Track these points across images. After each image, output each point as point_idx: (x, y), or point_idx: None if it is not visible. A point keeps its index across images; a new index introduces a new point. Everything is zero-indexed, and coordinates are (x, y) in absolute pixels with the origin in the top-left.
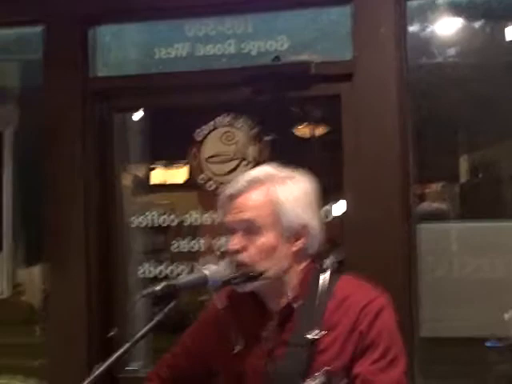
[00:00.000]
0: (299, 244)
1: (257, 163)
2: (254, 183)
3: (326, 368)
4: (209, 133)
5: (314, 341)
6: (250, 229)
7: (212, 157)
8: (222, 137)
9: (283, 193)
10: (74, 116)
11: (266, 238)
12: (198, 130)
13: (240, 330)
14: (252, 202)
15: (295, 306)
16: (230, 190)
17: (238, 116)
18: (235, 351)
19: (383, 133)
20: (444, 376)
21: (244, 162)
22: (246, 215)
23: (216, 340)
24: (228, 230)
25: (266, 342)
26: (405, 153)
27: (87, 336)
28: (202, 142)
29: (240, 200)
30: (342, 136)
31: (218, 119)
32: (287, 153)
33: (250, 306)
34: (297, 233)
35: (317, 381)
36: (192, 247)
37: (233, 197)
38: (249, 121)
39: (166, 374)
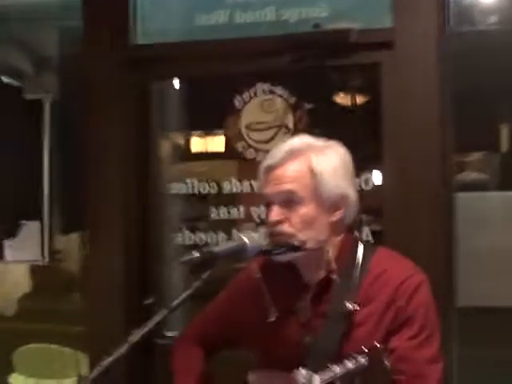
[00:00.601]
0: (338, 214)
1: (296, 131)
2: (293, 154)
3: (365, 349)
4: (248, 101)
5: (351, 313)
6: (291, 200)
7: (252, 124)
8: (262, 105)
9: (323, 163)
10: (113, 84)
11: (307, 209)
12: (237, 98)
13: (274, 301)
14: (292, 172)
15: (333, 277)
16: (268, 161)
17: (277, 84)
18: (270, 320)
19: (423, 102)
20: (482, 344)
21: (283, 130)
22: (287, 186)
23: (249, 309)
24: (267, 202)
25: (301, 313)
26: (444, 122)
27: (125, 303)
28: (241, 109)
29: (279, 171)
30: (382, 105)
31: (258, 87)
32: (327, 121)
33: (285, 277)
34: (336, 203)
35: (356, 362)
36: (230, 215)
37: (272, 168)
38: (288, 89)
39: (198, 335)
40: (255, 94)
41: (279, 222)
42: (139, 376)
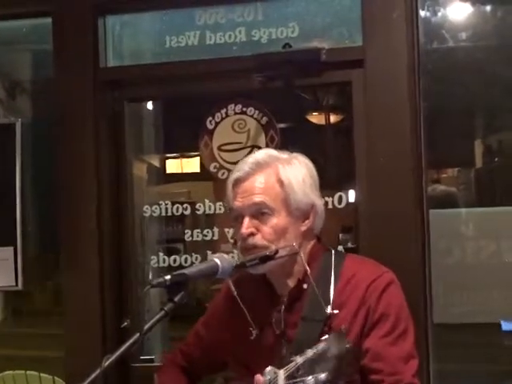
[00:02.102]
0: (308, 223)
1: None
2: (260, 166)
3: (325, 336)
4: (220, 121)
5: (324, 320)
6: (261, 211)
7: (224, 145)
8: (234, 125)
9: (290, 173)
10: (85, 106)
11: (278, 219)
12: (209, 119)
13: (252, 315)
14: (261, 184)
15: (305, 286)
16: (235, 174)
17: (248, 104)
18: (252, 337)
19: (394, 119)
20: (458, 361)
21: (255, 151)
22: (257, 198)
23: (228, 329)
24: (237, 215)
25: (276, 325)
26: (417, 138)
27: (102, 327)
28: (213, 130)
29: (247, 184)
30: (354, 123)
31: (230, 107)
32: (300, 140)
33: (259, 292)
34: (305, 212)
35: (317, 349)
36: (205, 236)
37: (239, 181)
38: (260, 109)
39: (182, 361)
40: (226, 115)
41: (251, 235)
42: None
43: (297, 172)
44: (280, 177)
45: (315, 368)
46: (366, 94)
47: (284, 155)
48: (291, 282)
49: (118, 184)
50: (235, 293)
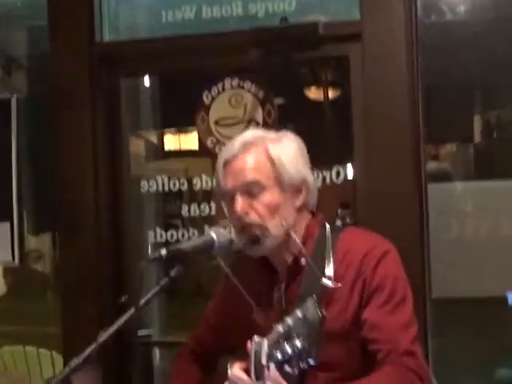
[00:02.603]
0: (301, 198)
1: (265, 126)
2: (250, 145)
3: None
4: (217, 95)
5: (321, 294)
6: (254, 190)
7: (220, 120)
8: (231, 99)
9: (280, 150)
10: (81, 82)
11: (271, 196)
12: (205, 93)
13: (253, 296)
14: (252, 162)
15: (302, 261)
16: (225, 154)
17: (245, 78)
18: (253, 317)
19: (393, 94)
20: (457, 336)
21: (252, 125)
22: (250, 177)
23: (234, 311)
24: (229, 196)
25: (277, 303)
26: (415, 113)
27: (99, 302)
28: (210, 105)
29: (238, 163)
30: (351, 98)
31: (226, 82)
32: (297, 116)
33: (259, 271)
34: (298, 187)
35: (294, 317)
36: (202, 212)
37: (230, 161)
38: (257, 83)
39: (197, 349)
40: (223, 89)
41: (246, 213)
42: (113, 375)
43: (287, 149)
44: (270, 154)
45: (293, 336)
46: (363, 68)
47: (272, 134)
48: (289, 259)
49: (114, 160)
50: (230, 273)
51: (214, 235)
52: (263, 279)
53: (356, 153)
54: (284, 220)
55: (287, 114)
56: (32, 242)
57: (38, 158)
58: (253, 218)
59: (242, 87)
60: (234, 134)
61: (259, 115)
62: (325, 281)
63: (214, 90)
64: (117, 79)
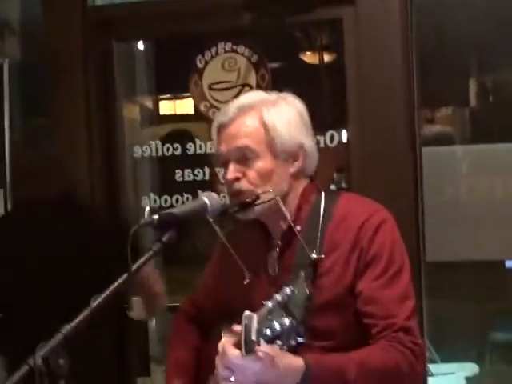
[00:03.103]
0: (297, 165)
1: (259, 90)
2: (244, 109)
3: (289, 289)
4: (210, 59)
5: (315, 262)
6: (246, 155)
7: (214, 84)
8: (224, 63)
9: (275, 115)
10: (73, 46)
11: (263, 163)
12: (199, 57)
13: (248, 262)
14: (245, 128)
15: (297, 228)
16: (220, 119)
17: (239, 42)
18: (245, 282)
19: (386, 57)
20: (451, 299)
21: (246, 89)
22: (241, 142)
23: (230, 276)
24: (223, 160)
25: (271, 269)
26: (410, 77)
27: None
28: (203, 69)
29: (232, 128)
30: (345, 61)
31: (220, 45)
32: (291, 80)
33: (254, 236)
34: (293, 154)
35: (284, 293)
36: (197, 176)
37: (224, 126)
38: (251, 47)
39: (194, 312)
40: (216, 53)
41: (237, 180)
42: (109, 340)
43: (282, 113)
44: (264, 119)
45: (282, 312)
46: (357, 31)
47: (271, 96)
48: (284, 225)
49: (108, 125)
50: (223, 238)
51: (206, 200)
52: (259, 245)
53: (350, 117)
54: (276, 187)
55: (282, 79)
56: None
57: (30, 124)
58: (243, 184)
59: (236, 51)
60: (227, 98)
61: (253, 79)
62: (315, 254)
63: (208, 54)
64: (110, 43)
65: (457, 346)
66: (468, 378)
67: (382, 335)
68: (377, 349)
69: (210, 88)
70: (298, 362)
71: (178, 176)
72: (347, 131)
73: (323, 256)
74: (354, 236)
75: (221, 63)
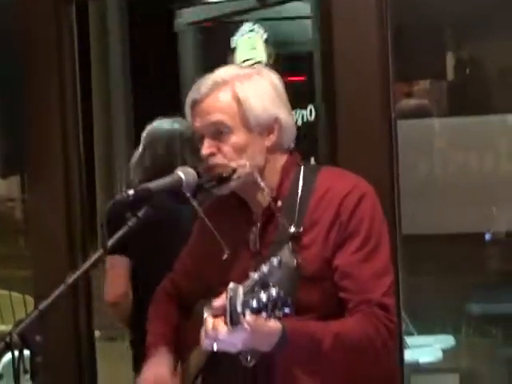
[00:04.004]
0: (272, 138)
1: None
2: (217, 84)
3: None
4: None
5: (296, 237)
6: (220, 130)
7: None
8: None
9: (249, 88)
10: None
11: (237, 137)
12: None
13: (228, 238)
14: (217, 103)
15: (278, 204)
16: (192, 95)
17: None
18: (224, 258)
19: (360, 31)
20: (427, 273)
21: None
22: (214, 117)
23: (209, 254)
24: (199, 136)
25: (252, 245)
26: (385, 50)
27: (69, 245)
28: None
29: (205, 104)
30: (319, 35)
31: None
32: None
33: (235, 212)
34: (268, 127)
35: (271, 264)
36: None
37: (197, 102)
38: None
39: (173, 291)
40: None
41: (212, 154)
42: None
43: (256, 87)
44: (237, 94)
45: (269, 284)
46: (330, 4)
47: (245, 70)
48: (264, 200)
49: (83, 91)
50: (202, 214)
51: (181, 175)
52: (240, 221)
53: (324, 91)
54: (252, 161)
55: None
56: (1, 185)
57: (5, 98)
58: (218, 158)
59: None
60: None
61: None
62: (295, 228)
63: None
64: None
65: (433, 319)
66: (444, 350)
67: (357, 309)
68: (352, 322)
69: None
70: (275, 325)
71: None
72: (321, 106)
73: (303, 231)
74: (335, 210)
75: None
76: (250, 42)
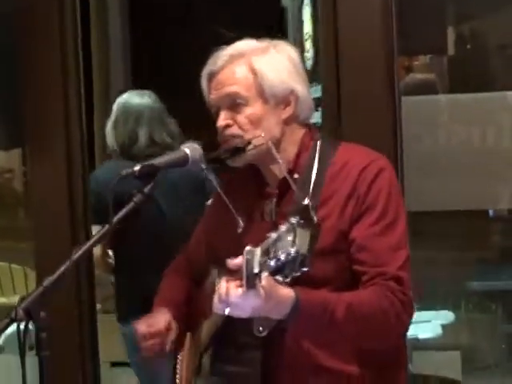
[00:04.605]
0: (289, 110)
1: None
2: (235, 57)
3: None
4: None
5: (312, 209)
6: (236, 102)
7: None
8: None
9: (264, 61)
10: None
11: (253, 108)
12: None
13: (244, 210)
14: (233, 74)
15: (295, 176)
16: (210, 67)
17: None
18: (239, 231)
19: (363, 5)
20: (429, 247)
21: None
22: (230, 89)
23: (220, 225)
24: (215, 109)
25: (269, 217)
26: (388, 24)
27: (71, 217)
28: None
29: (221, 76)
30: (322, 10)
31: None
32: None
33: (251, 184)
34: (284, 99)
35: (289, 223)
36: None
37: (213, 74)
38: None
39: (186, 265)
40: None
41: (228, 126)
42: None
43: (272, 60)
44: (253, 66)
45: (287, 243)
46: None
47: (262, 44)
48: (280, 172)
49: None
50: (217, 185)
51: (187, 150)
52: (255, 193)
53: (326, 66)
54: (267, 132)
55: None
56: (1, 157)
57: (6, 71)
58: (234, 130)
59: None
60: None
61: None
62: (310, 201)
63: None
64: None
65: (433, 294)
66: (444, 326)
67: (372, 282)
68: (367, 294)
69: None
70: (288, 293)
71: None
72: (324, 81)
73: (320, 204)
74: (352, 183)
75: None
76: None
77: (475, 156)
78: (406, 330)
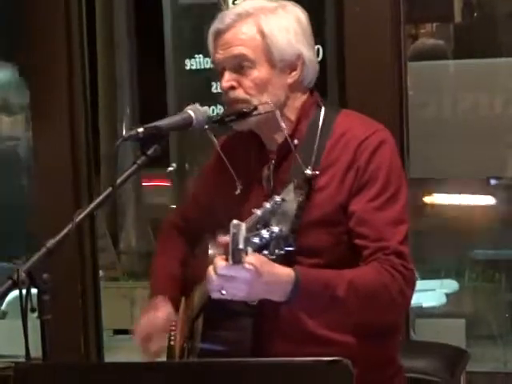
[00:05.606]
0: (294, 75)
1: None
2: (242, 16)
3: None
4: None
5: (311, 178)
6: (242, 64)
7: None
8: None
9: (273, 22)
10: None
11: (259, 72)
12: None
13: (242, 174)
14: (241, 35)
15: (296, 142)
16: (217, 25)
17: None
18: (237, 193)
19: None
20: (430, 217)
21: None
22: (237, 50)
23: (218, 186)
24: (219, 69)
25: (266, 182)
26: None
27: (74, 182)
28: None
29: (228, 35)
30: None
31: None
32: None
33: (250, 148)
34: (291, 63)
35: (274, 201)
36: None
37: (220, 32)
38: None
39: (182, 224)
40: None
41: (232, 88)
42: None
43: (281, 21)
44: (261, 27)
45: (272, 221)
46: None
47: (271, 4)
48: (280, 138)
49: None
50: (218, 147)
51: (191, 113)
52: (254, 158)
53: (332, 32)
54: (273, 97)
55: None
56: (6, 123)
57: (12, 34)
58: (239, 93)
59: None
60: None
61: None
62: (310, 170)
63: None
64: None
65: (437, 263)
66: (448, 295)
67: (374, 257)
68: (368, 269)
69: None
70: (287, 272)
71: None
72: (330, 47)
73: (318, 172)
74: (352, 154)
75: None
76: None
77: (481, 122)
78: (409, 303)
